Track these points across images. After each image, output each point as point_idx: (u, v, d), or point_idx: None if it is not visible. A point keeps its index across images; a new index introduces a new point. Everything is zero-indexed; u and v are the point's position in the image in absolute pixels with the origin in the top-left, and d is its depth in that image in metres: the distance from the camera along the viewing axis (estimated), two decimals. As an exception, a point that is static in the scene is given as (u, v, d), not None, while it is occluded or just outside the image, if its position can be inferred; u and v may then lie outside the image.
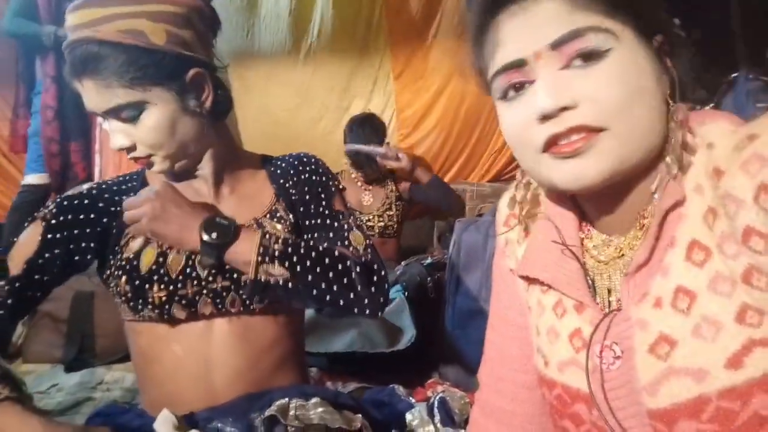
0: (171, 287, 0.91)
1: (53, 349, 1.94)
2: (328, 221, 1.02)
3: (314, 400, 0.87)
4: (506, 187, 0.76)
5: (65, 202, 0.94)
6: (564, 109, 0.53)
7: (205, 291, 0.92)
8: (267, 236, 0.91)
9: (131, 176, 1.04)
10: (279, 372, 0.99)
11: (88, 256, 0.94)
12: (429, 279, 1.91)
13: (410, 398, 1.11)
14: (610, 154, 0.53)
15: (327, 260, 0.91)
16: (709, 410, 0.51)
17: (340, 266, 0.92)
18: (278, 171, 1.06)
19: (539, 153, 0.56)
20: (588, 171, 0.54)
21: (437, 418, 1.06)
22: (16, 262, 0.88)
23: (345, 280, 0.91)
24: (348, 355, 1.61)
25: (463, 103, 3.11)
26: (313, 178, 1.05)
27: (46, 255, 0.90)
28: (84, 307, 1.98)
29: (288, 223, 1.00)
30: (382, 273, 0.96)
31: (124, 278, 0.92)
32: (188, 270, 0.92)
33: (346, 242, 0.99)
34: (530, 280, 0.68)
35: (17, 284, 0.87)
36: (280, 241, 0.91)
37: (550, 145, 0.55)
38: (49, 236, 0.90)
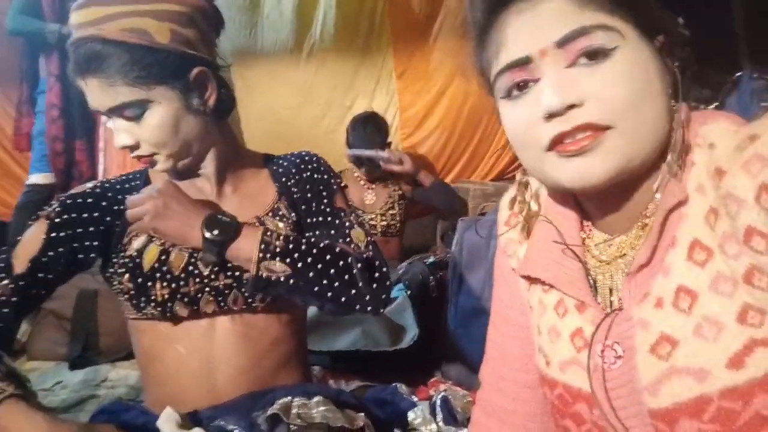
0: (173, 285, 0.91)
1: (58, 346, 1.95)
2: (329, 219, 1.02)
3: (317, 398, 0.87)
4: (509, 186, 0.76)
5: (69, 201, 0.95)
6: (570, 107, 0.53)
7: (207, 289, 0.93)
8: (268, 233, 0.91)
9: (134, 175, 1.04)
10: (282, 370, 0.99)
11: (92, 255, 0.95)
12: (431, 278, 1.91)
13: (413, 397, 1.11)
14: (616, 152, 0.53)
15: (328, 257, 0.92)
16: (711, 410, 0.51)
17: (341, 263, 0.92)
18: (280, 170, 1.06)
19: (544, 152, 0.56)
20: (594, 169, 0.54)
21: (439, 416, 1.06)
22: (20, 261, 0.88)
23: (346, 277, 0.91)
24: (351, 353, 1.61)
25: (465, 102, 3.11)
26: (315, 176, 1.05)
27: (50, 253, 0.90)
28: (88, 305, 1.99)
29: (290, 221, 1.01)
30: (384, 270, 0.96)
31: (126, 276, 0.92)
32: (191, 267, 0.92)
33: (348, 239, 0.99)
34: (532, 280, 0.68)
35: (21, 282, 0.87)
36: (281, 237, 0.91)
37: (556, 143, 0.55)
38: (53, 235, 0.91)
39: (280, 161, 1.08)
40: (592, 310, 0.61)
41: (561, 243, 0.64)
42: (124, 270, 0.93)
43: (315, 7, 3.05)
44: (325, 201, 1.03)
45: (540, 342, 0.68)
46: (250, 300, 0.94)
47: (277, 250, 0.90)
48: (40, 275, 0.90)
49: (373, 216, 2.55)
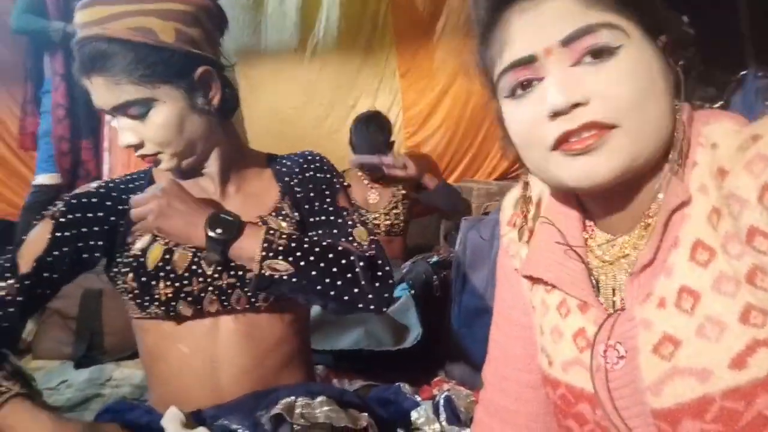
0: (177, 284, 0.92)
1: (63, 345, 1.96)
2: (332, 218, 1.02)
3: (320, 398, 0.87)
4: (512, 185, 0.76)
5: (74, 201, 0.95)
6: (575, 105, 0.53)
7: (210, 288, 0.93)
8: (271, 232, 0.91)
9: (138, 175, 1.05)
10: (285, 370, 1.00)
11: (97, 254, 0.95)
12: (435, 277, 1.91)
13: (416, 396, 1.11)
14: (621, 151, 0.53)
15: (331, 255, 0.92)
16: (713, 410, 0.51)
17: (344, 261, 0.92)
18: (284, 169, 1.06)
19: (549, 151, 0.56)
20: (599, 168, 0.54)
21: (443, 416, 1.06)
22: (25, 260, 0.89)
23: (349, 275, 0.91)
24: (354, 352, 1.61)
25: (469, 101, 3.11)
26: (318, 175, 1.05)
27: (55, 253, 0.91)
28: (93, 304, 1.99)
29: (293, 221, 1.01)
30: (387, 268, 0.96)
31: (130, 275, 0.92)
32: (194, 267, 0.93)
33: (350, 238, 0.99)
34: (534, 280, 0.68)
35: (27, 282, 0.88)
36: (284, 236, 0.92)
37: (561, 142, 0.55)
38: (58, 234, 0.91)
39: (284, 161, 1.08)
40: (595, 310, 0.61)
41: (563, 244, 0.64)
42: (128, 269, 0.93)
43: (318, 7, 3.05)
44: (328, 200, 1.03)
45: (542, 342, 0.68)
46: (253, 299, 0.95)
47: (280, 248, 0.90)
48: (45, 275, 0.90)
49: (377, 215, 2.55)
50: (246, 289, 0.93)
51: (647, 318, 0.56)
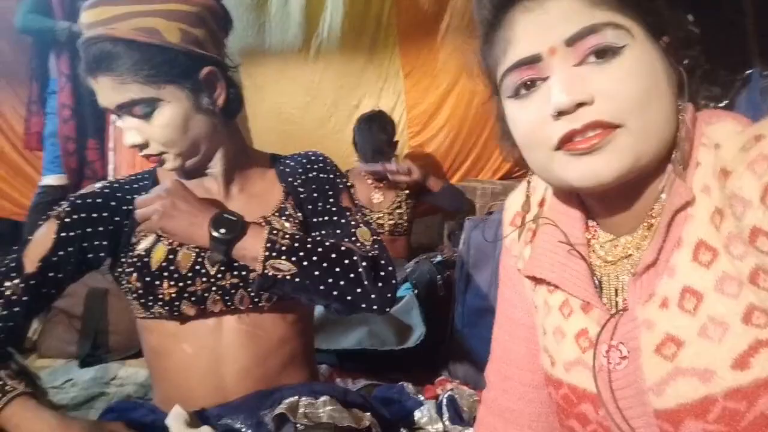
0: (181, 284, 0.92)
1: (68, 344, 1.96)
2: (335, 218, 1.02)
3: (323, 398, 0.88)
4: (516, 185, 0.76)
5: (78, 201, 0.95)
6: (580, 105, 0.53)
7: (214, 288, 0.93)
8: (274, 232, 0.92)
9: (143, 175, 1.05)
10: (288, 369, 1.00)
11: (101, 254, 0.96)
12: (439, 277, 1.91)
13: (419, 396, 1.11)
14: (625, 150, 0.53)
15: (334, 255, 0.92)
16: (716, 410, 0.51)
17: (346, 261, 0.92)
18: (287, 169, 1.07)
19: (553, 151, 0.56)
20: (604, 168, 0.54)
21: (446, 415, 1.06)
22: (31, 260, 0.89)
23: (352, 275, 0.91)
24: (358, 352, 1.61)
25: (472, 100, 3.10)
26: (321, 175, 1.05)
27: (60, 253, 0.91)
28: (98, 303, 2.00)
29: (296, 221, 1.01)
30: (390, 268, 0.96)
31: (135, 275, 0.93)
32: (198, 267, 0.93)
33: (354, 238, 0.99)
34: (537, 280, 0.68)
35: (32, 282, 0.88)
36: (287, 236, 0.92)
37: (565, 142, 0.54)
38: (63, 234, 0.92)
39: (287, 161, 1.09)
40: (598, 310, 0.61)
41: (566, 244, 0.64)
42: (132, 269, 0.94)
43: (322, 7, 3.05)
44: (331, 200, 1.03)
45: (545, 342, 0.68)
46: (256, 299, 0.95)
47: (283, 248, 0.90)
48: (50, 274, 0.91)
49: (381, 215, 2.55)
50: (249, 289, 0.94)
51: (650, 318, 0.56)
